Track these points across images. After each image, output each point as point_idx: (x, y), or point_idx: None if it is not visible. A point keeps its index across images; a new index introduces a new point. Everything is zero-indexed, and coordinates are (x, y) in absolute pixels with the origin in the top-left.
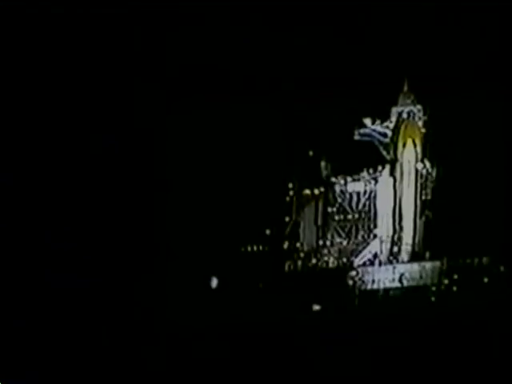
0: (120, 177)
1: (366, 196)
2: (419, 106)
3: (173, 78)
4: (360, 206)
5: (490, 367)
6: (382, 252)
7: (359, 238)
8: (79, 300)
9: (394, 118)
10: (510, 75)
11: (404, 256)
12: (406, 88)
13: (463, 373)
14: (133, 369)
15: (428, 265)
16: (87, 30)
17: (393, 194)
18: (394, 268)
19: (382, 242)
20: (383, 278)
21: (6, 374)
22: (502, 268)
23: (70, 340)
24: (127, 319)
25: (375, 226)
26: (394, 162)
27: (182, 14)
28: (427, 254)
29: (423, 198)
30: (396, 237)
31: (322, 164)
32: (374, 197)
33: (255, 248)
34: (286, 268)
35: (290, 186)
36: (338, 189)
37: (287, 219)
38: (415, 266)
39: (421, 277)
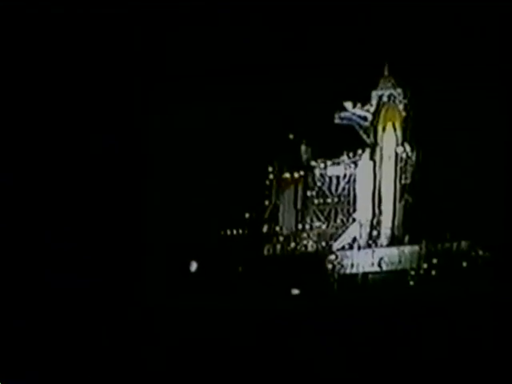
0: (97, 158)
1: (346, 180)
2: (399, 90)
3: (151, 63)
4: (339, 190)
5: (468, 351)
6: (361, 236)
7: (338, 221)
8: (62, 286)
9: (374, 102)
10: (489, 59)
11: (383, 240)
12: (386, 72)
13: (442, 357)
14: (113, 354)
15: (407, 249)
16: (71, 27)
17: (372, 178)
18: (373, 252)
19: (361, 225)
20: (362, 261)
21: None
22: (480, 252)
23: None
24: (106, 303)
25: (354, 210)
26: (373, 146)
27: (169, 13)
28: (406, 238)
29: (403, 182)
30: (375, 221)
31: (302, 148)
32: (354, 181)
33: (234, 232)
34: (265, 252)
35: (270, 169)
36: (317, 172)
37: (267, 203)
38: (394, 250)
39: (400, 261)
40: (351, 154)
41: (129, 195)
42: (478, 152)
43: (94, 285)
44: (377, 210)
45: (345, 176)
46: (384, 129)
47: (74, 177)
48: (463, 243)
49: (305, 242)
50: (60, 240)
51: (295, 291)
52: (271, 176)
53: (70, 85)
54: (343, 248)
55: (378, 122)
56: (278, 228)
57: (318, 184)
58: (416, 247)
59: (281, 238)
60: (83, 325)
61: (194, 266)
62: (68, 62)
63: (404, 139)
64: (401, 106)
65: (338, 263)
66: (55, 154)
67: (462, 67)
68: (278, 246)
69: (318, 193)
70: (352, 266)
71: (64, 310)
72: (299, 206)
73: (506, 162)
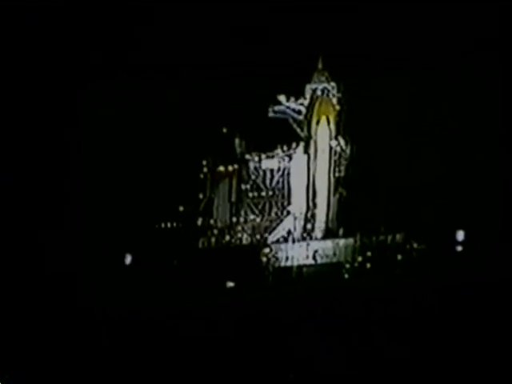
0: (30, 154)
1: (280, 173)
2: (333, 84)
3: (83, 61)
4: (274, 183)
5: (402, 344)
6: (295, 229)
7: (273, 214)
8: None
9: (308, 95)
10: (423, 54)
11: (318, 233)
12: (320, 65)
13: (375, 350)
14: (45, 346)
15: (341, 242)
16: None
17: (306, 171)
18: (308, 245)
19: (295, 218)
20: (297, 254)
21: None
22: (415, 245)
23: None
24: (40, 295)
25: (289, 203)
26: (307, 140)
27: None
28: (341, 231)
29: (337, 175)
30: (310, 214)
31: (236, 141)
32: (288, 174)
33: (169, 225)
34: (200, 245)
35: (204, 163)
36: (252, 166)
37: (201, 196)
38: (329, 243)
39: (334, 254)
40: (285, 148)
41: (61, 190)
42: (410, 145)
43: (26, 281)
44: (311, 204)
45: (279, 169)
46: (318, 122)
47: (5, 174)
48: (398, 236)
49: (239, 235)
50: None
51: (230, 284)
52: (205, 169)
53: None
54: (278, 241)
55: (311, 115)
56: (212, 221)
57: (253, 177)
58: (350, 240)
59: (215, 231)
60: (16, 320)
61: (128, 259)
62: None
63: (338, 133)
64: (334, 100)
65: (273, 256)
66: None
67: (396, 61)
68: (213, 239)
69: (252, 186)
70: (287, 258)
71: None
72: (234, 200)
73: (439, 154)
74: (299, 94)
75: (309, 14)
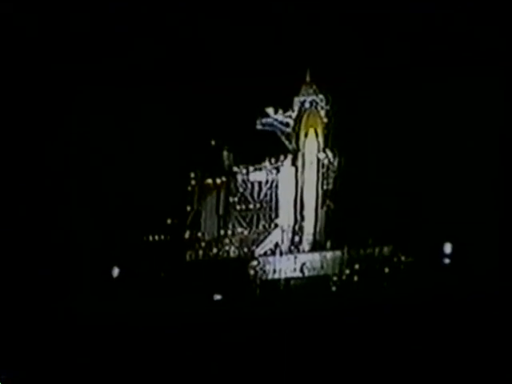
0: (18, 164)
1: (268, 186)
2: (321, 96)
3: (72, 67)
4: (262, 196)
5: (389, 356)
6: (283, 242)
7: (260, 227)
8: None
9: (296, 108)
10: (410, 67)
11: (305, 246)
12: (308, 78)
13: (362, 362)
14: (33, 357)
15: (329, 254)
16: None
17: (294, 184)
18: (296, 258)
19: (283, 231)
20: (284, 267)
21: None
22: (403, 258)
23: None
24: (28, 308)
25: (277, 216)
26: (295, 152)
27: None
28: (328, 244)
29: (325, 187)
30: (297, 226)
31: (224, 153)
32: (276, 186)
33: (156, 237)
34: (188, 257)
35: (192, 175)
36: (239, 178)
37: (189, 209)
38: (316, 256)
39: (322, 266)
40: (273, 160)
41: (50, 201)
42: (398, 158)
43: (14, 293)
44: (299, 216)
45: (267, 182)
46: (306, 135)
47: None
48: (385, 248)
49: (227, 248)
50: None
51: (217, 296)
52: (193, 182)
53: None
54: (265, 254)
55: (299, 128)
56: (200, 234)
57: (241, 190)
58: (338, 253)
59: (203, 244)
60: (5, 332)
61: (116, 272)
62: None
63: (326, 145)
64: (322, 113)
65: (261, 269)
66: None
67: (384, 74)
68: (200, 252)
69: (240, 199)
70: (274, 271)
71: None
72: (221, 212)
73: (427, 167)
74: (287, 107)
75: (297, 28)
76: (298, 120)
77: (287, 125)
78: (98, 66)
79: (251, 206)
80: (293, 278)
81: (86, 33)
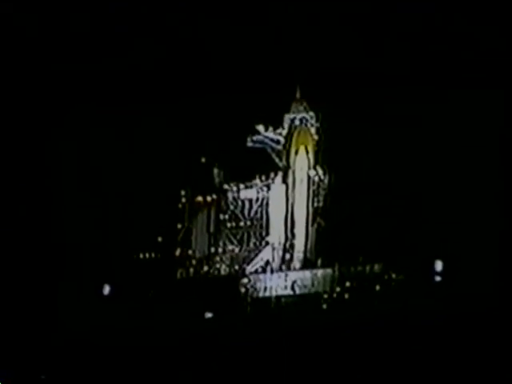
0: (11, 177)
1: (259, 203)
2: (312, 113)
3: (63, 81)
4: (252, 213)
5: (379, 374)
6: (274, 259)
7: (251, 245)
8: None
9: (286, 125)
10: (400, 84)
11: (296, 263)
12: (298, 95)
13: (353, 380)
14: (21, 376)
15: (320, 272)
16: None
17: (285, 201)
18: (286, 275)
19: (274, 249)
20: (275, 285)
21: None
22: (393, 275)
23: None
24: (15, 326)
25: (267, 234)
26: (286, 169)
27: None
28: (319, 262)
29: (315, 205)
30: (288, 244)
31: (215, 171)
32: (267, 204)
33: (147, 255)
34: (178, 275)
35: (183, 193)
36: (230, 196)
37: (179, 226)
38: (307, 274)
39: (313, 284)
40: (264, 178)
41: (39, 220)
42: (388, 175)
43: (3, 311)
44: (290, 234)
45: (257, 199)
46: (297, 152)
47: None
48: (376, 266)
49: (218, 266)
50: None
51: (208, 314)
52: (184, 200)
53: None
54: (256, 271)
55: (290, 145)
56: (190, 251)
57: (231, 207)
58: (329, 270)
59: (194, 262)
60: None
61: (106, 290)
62: None
63: (316, 162)
64: (313, 130)
65: (251, 286)
66: None
67: (374, 91)
68: (191, 270)
69: (230, 216)
70: (265, 289)
71: None
72: (212, 230)
73: (417, 184)
74: (278, 124)
75: (286, 45)
76: (288, 137)
77: (278, 142)
78: (83, 84)
79: (242, 224)
80: (284, 296)
81: (80, 33)
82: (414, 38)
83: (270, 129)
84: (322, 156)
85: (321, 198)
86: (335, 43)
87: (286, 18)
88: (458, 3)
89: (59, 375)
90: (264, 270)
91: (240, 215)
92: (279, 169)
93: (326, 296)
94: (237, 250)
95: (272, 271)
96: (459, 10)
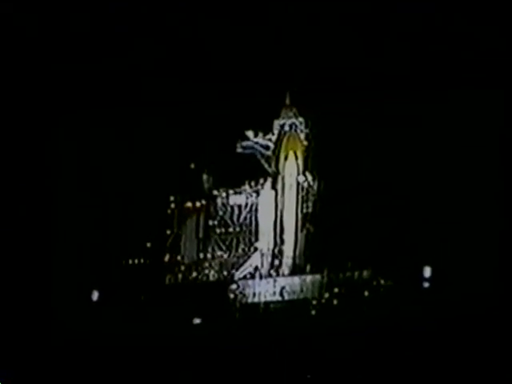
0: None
1: (248, 209)
2: (301, 119)
3: (56, 87)
4: (241, 219)
5: (368, 381)
6: (262, 265)
7: (240, 251)
8: None
9: (276, 131)
10: (392, 89)
11: (285, 269)
12: (288, 101)
13: None
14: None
15: (309, 278)
16: None
17: (274, 207)
18: (275, 281)
19: (262, 255)
20: (264, 291)
21: None
22: (382, 281)
23: None
24: (6, 331)
25: (256, 239)
26: (275, 175)
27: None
28: (308, 268)
29: (304, 211)
30: (277, 250)
31: (204, 177)
32: (256, 210)
33: (136, 261)
34: (167, 281)
35: (172, 198)
36: (219, 202)
37: (168, 232)
38: (296, 280)
39: (301, 290)
40: (253, 183)
41: (28, 225)
42: (378, 181)
43: None
44: (278, 240)
45: (247, 205)
46: (286, 158)
47: None
48: (365, 272)
49: (206, 272)
50: None
51: (197, 320)
52: (173, 205)
53: None
54: (245, 277)
55: (279, 150)
56: (179, 257)
57: (220, 213)
58: (318, 276)
59: (182, 268)
60: None
61: (95, 296)
62: None
63: (305, 168)
64: (302, 135)
65: (240, 292)
66: None
67: (365, 97)
68: (180, 275)
69: (219, 222)
70: (254, 295)
71: None
72: (201, 236)
73: (407, 190)
74: (267, 130)
75: (276, 50)
76: (278, 143)
77: (267, 148)
78: (70, 90)
79: (231, 230)
80: (272, 302)
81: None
82: (413, 38)
83: (260, 134)
84: (312, 162)
85: (310, 204)
86: (326, 48)
87: (274, 22)
88: (457, 3)
89: (48, 381)
90: (253, 276)
91: (229, 221)
92: (268, 175)
93: (314, 302)
94: (226, 255)
95: (261, 277)
96: (459, 9)
